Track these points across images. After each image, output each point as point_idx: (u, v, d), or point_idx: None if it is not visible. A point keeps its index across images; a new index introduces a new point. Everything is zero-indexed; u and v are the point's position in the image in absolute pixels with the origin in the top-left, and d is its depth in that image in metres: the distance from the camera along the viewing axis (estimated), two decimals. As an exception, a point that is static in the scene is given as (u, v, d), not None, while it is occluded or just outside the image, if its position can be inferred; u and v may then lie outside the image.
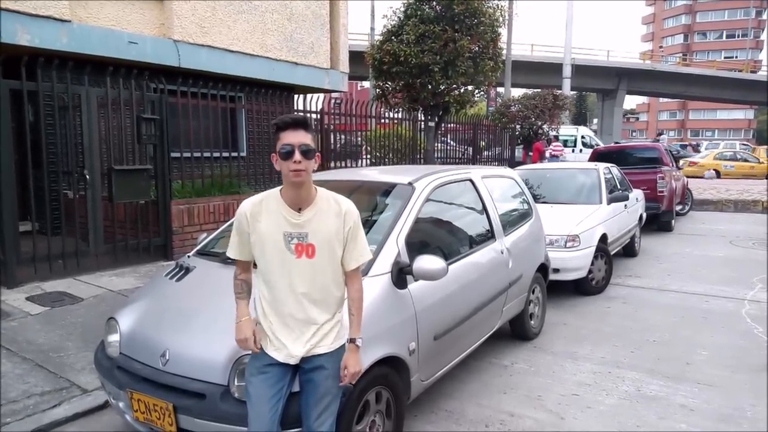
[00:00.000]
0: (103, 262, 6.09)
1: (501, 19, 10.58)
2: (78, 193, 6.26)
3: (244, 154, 9.55)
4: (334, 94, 12.64)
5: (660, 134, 19.83)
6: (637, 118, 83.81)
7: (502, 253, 3.99)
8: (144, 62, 7.87)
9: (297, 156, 2.01)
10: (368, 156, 11.21)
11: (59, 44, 7.21)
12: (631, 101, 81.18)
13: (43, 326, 4.48)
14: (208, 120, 7.40)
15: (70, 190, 6.37)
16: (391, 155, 10.99)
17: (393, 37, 10.07)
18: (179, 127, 6.97)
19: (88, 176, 5.98)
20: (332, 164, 9.81)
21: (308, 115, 9.28)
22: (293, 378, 2.18)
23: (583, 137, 22.56)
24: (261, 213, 2.12)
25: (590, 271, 5.89)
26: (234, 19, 9.24)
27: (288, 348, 2.12)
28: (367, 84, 32.35)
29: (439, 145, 12.79)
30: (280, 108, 8.98)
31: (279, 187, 2.17)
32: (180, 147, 6.96)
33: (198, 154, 7.24)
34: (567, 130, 23.33)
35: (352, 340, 2.20)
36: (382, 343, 2.64)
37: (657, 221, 9.88)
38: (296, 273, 2.10)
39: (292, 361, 2.13)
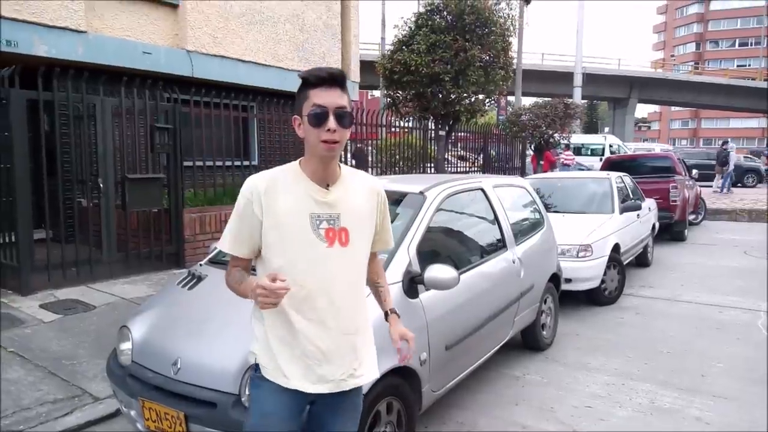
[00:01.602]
0: (116, 270, 6.13)
1: (512, 28, 10.61)
2: (92, 201, 6.33)
3: (255, 162, 9.62)
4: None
5: (725, 143, 18.75)
6: (649, 127, 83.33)
7: (513, 262, 3.97)
8: (158, 72, 7.97)
9: (332, 123, 1.57)
10: (377, 165, 11.24)
11: (75, 54, 7.33)
12: (642, 110, 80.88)
13: (56, 334, 4.51)
14: (220, 129, 7.46)
15: (84, 198, 6.43)
16: (401, 164, 11.01)
17: (404, 47, 10.12)
18: (192, 136, 7.03)
19: (102, 185, 6.04)
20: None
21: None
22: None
23: (611, 146, 22.09)
24: (277, 190, 1.64)
25: (603, 281, 5.84)
26: (246, 29, 9.34)
27: (320, 369, 1.68)
28: (377, 93, 32.49)
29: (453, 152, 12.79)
30: (291, 116, 9.03)
31: (296, 161, 1.71)
32: (193, 156, 7.02)
33: (210, 163, 7.29)
34: (594, 139, 22.80)
35: (392, 311, 1.95)
36: (392, 353, 2.61)
37: (670, 231, 9.79)
38: (329, 267, 1.64)
39: (326, 389, 1.70)
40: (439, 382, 3.05)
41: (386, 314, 1.93)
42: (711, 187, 17.54)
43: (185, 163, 6.83)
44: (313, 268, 1.63)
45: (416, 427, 2.87)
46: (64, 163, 5.96)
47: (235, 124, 7.86)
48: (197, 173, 7.21)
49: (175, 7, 8.54)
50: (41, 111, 5.59)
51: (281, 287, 1.48)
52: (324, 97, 1.58)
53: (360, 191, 1.73)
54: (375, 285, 1.97)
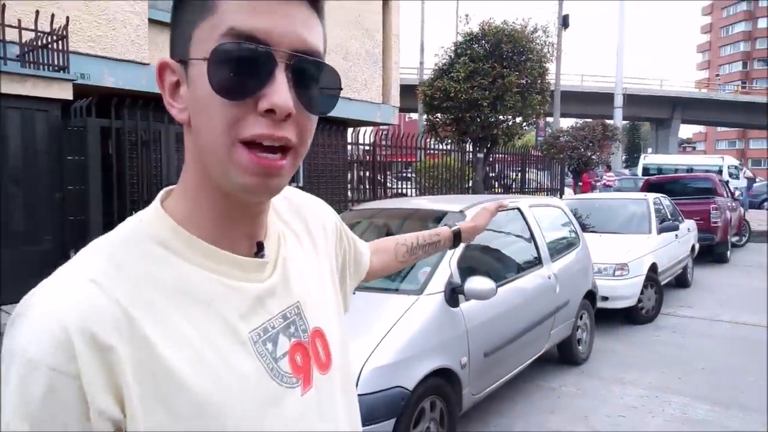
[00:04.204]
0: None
1: (548, 55, 10.88)
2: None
3: (301, 183, 10.08)
4: (383, 126, 13.14)
5: None
6: (694, 148, 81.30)
7: (549, 278, 4.19)
8: (213, 100, 8.55)
9: (281, 89, 0.55)
10: (417, 186, 11.57)
11: (139, 85, 7.97)
12: (687, 130, 79.09)
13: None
14: (270, 153, 7.93)
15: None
16: (440, 185, 11.31)
17: (444, 75, 10.51)
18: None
19: (164, 205, 6.55)
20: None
21: (360, 147, 9.76)
22: None
23: (729, 167, 21.20)
24: (139, 311, 0.56)
25: (640, 300, 5.95)
26: (294, 59, 9.90)
27: None
28: (414, 116, 33.06)
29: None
30: (335, 141, 9.49)
31: (153, 204, 0.67)
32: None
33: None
34: (710, 160, 21.70)
35: (450, 226, 1.34)
36: (435, 355, 2.91)
37: (712, 252, 9.73)
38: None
39: None
40: (478, 386, 3.30)
41: (456, 234, 1.33)
42: None
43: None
44: None
45: (456, 429, 3.13)
46: (131, 185, 6.50)
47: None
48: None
49: (228, 39, 9.16)
50: (113, 138, 6.15)
51: None
52: (267, 16, 0.56)
53: (300, 228, 0.79)
54: (413, 248, 1.22)
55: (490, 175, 13.08)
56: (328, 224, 0.86)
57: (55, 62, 6.13)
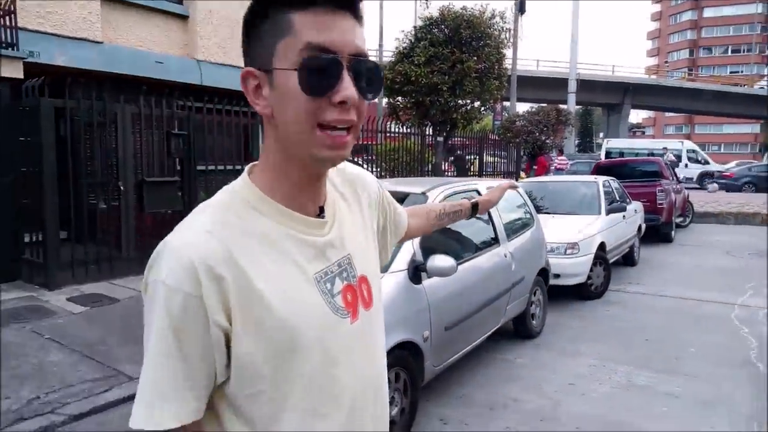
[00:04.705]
0: (134, 267, 6.51)
1: (505, 41, 11.13)
2: (111, 203, 6.72)
3: (261, 166, 10.04)
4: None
5: None
6: (643, 132, 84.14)
7: (505, 256, 4.39)
8: (169, 80, 8.38)
9: (348, 87, 0.76)
10: (378, 168, 11.68)
11: (91, 64, 7.73)
12: (636, 115, 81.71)
13: (86, 323, 4.91)
14: (231, 134, 7.87)
15: (105, 200, 6.83)
16: (400, 168, 11.45)
17: (404, 59, 10.60)
18: (204, 141, 7.45)
19: (122, 187, 6.44)
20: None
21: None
22: None
23: (688, 151, 21.46)
24: (243, 252, 0.78)
25: (589, 277, 6.26)
26: (253, 39, 9.76)
27: None
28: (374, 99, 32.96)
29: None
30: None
31: (241, 178, 0.87)
32: (205, 160, 7.43)
33: (222, 167, 7.70)
34: (670, 145, 21.97)
35: (469, 199, 1.57)
36: (400, 329, 3.05)
37: (658, 233, 10.23)
38: (362, 355, 0.90)
39: None
40: (439, 359, 3.46)
41: (474, 205, 1.55)
42: None
43: (198, 167, 7.24)
44: (340, 372, 0.85)
45: (420, 398, 3.29)
46: (87, 166, 6.35)
47: (244, 129, 8.28)
48: (210, 176, 7.61)
49: (185, 18, 8.97)
50: (67, 118, 5.99)
51: None
52: (330, 31, 0.76)
53: (351, 196, 0.99)
54: (441, 214, 1.44)
55: (465, 158, 13.38)
56: (372, 191, 1.07)
57: (2, 39, 5.90)
